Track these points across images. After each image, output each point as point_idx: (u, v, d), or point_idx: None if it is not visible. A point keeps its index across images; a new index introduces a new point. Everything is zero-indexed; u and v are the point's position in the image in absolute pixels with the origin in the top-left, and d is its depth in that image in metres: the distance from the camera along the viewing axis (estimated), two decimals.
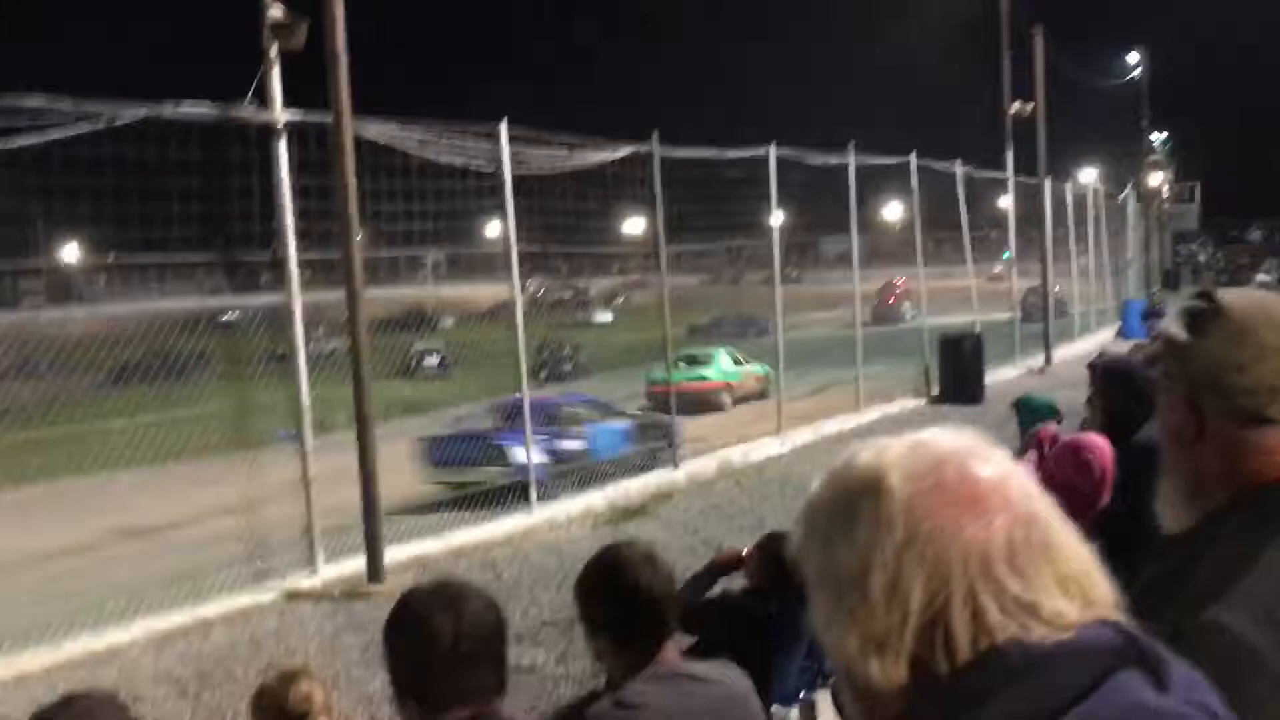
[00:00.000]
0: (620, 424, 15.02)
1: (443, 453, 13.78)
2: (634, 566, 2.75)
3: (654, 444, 14.52)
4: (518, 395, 12.28)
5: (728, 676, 2.86)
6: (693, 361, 21.17)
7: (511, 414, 13.03)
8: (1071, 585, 1.01)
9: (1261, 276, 32.42)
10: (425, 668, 2.20)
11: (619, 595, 2.72)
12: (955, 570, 0.99)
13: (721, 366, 21.90)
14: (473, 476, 12.99)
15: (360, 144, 9.88)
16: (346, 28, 9.48)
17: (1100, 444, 4.90)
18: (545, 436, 12.80)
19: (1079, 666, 0.97)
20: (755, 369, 21.30)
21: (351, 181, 9.59)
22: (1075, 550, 1.04)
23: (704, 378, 20.94)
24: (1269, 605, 1.34)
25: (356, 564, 9.67)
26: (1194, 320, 1.55)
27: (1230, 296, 1.57)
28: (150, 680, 7.60)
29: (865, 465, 1.07)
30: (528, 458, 11.84)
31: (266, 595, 9.21)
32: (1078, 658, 0.97)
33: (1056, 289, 27.07)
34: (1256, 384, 1.50)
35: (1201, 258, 68.69)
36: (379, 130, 10.53)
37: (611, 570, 2.78)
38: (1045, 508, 1.05)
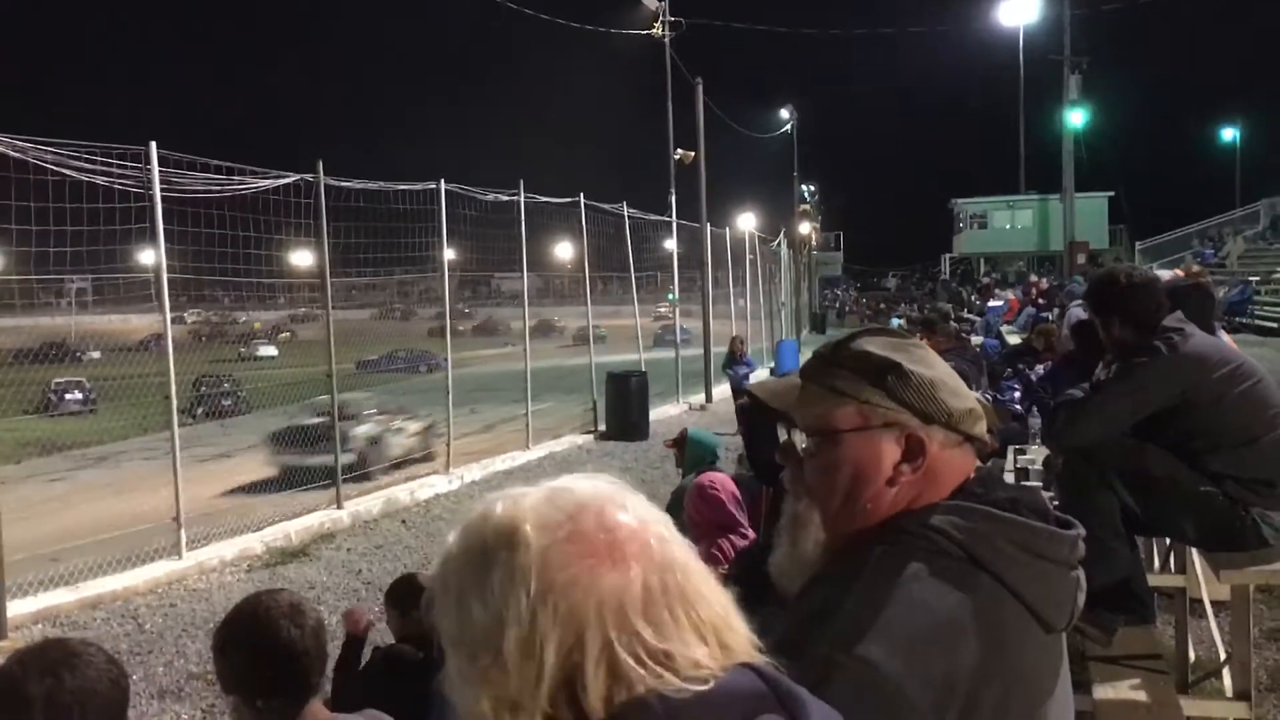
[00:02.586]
0: None
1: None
2: (275, 619, 2.59)
3: None
4: None
5: None
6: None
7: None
8: (708, 632, 1.01)
9: (896, 320, 35.29)
10: None
11: (258, 650, 2.55)
12: (590, 622, 0.97)
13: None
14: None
15: None
16: None
17: (719, 478, 5.53)
18: None
19: (726, 713, 0.96)
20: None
21: None
22: (713, 596, 1.04)
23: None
24: (911, 638, 1.36)
25: None
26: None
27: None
28: None
29: (499, 517, 1.04)
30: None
31: None
32: (719, 706, 0.96)
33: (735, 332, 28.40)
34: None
35: (846, 306, 74.00)
36: (10, 143, 9.63)
37: (251, 623, 2.61)
38: (683, 554, 1.05)
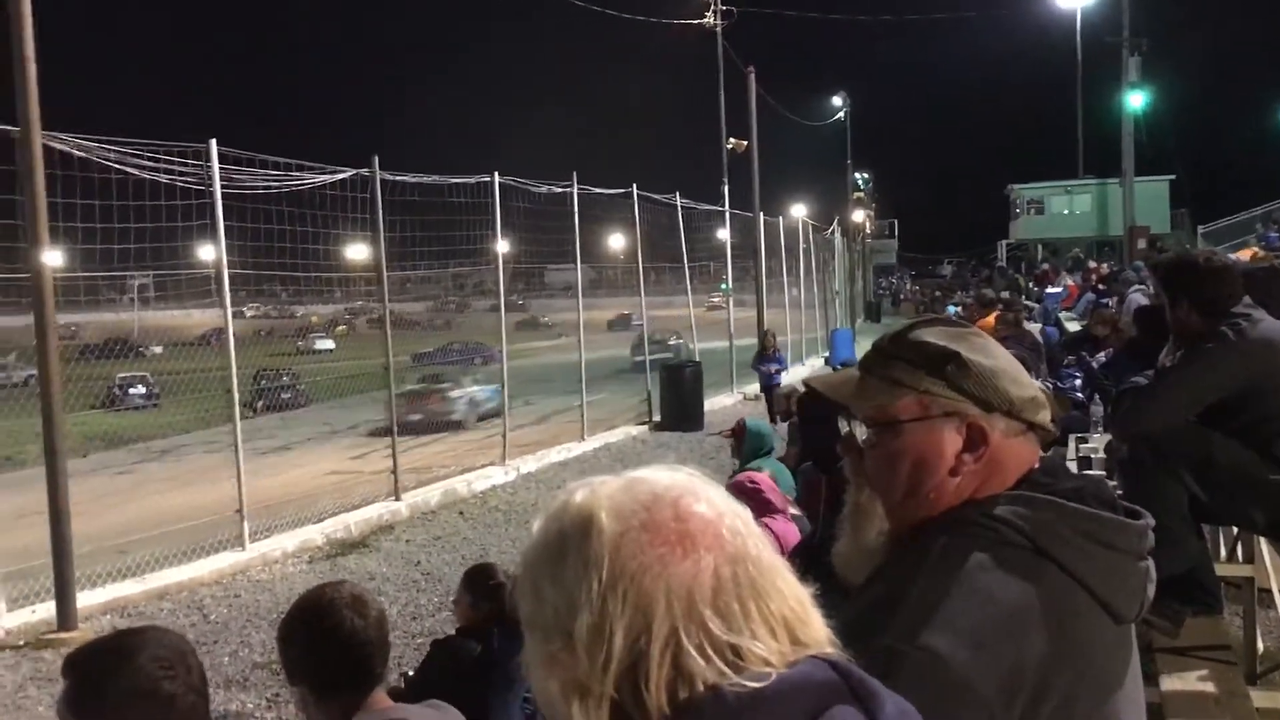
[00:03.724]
0: None
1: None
2: (339, 610, 2.62)
3: None
4: None
5: (443, 718, 2.77)
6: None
7: None
8: (779, 626, 1.01)
9: (952, 308, 34.96)
10: None
11: (323, 641, 2.58)
12: (659, 611, 0.97)
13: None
14: None
15: (50, 158, 9.19)
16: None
17: (760, 477, 5.72)
18: None
19: (792, 707, 0.96)
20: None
21: (42, 198, 8.90)
22: (787, 590, 1.04)
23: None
24: (976, 628, 1.36)
25: (45, 610, 8.92)
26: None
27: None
28: None
29: (577, 504, 1.05)
30: None
31: None
32: (784, 699, 0.96)
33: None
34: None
35: (901, 294, 73.46)
36: (76, 143, 9.81)
37: (315, 614, 2.64)
38: (758, 547, 1.05)
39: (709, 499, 1.06)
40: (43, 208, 8.92)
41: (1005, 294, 22.86)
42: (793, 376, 24.30)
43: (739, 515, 1.07)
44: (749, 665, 0.98)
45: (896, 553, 1.55)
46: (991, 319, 11.25)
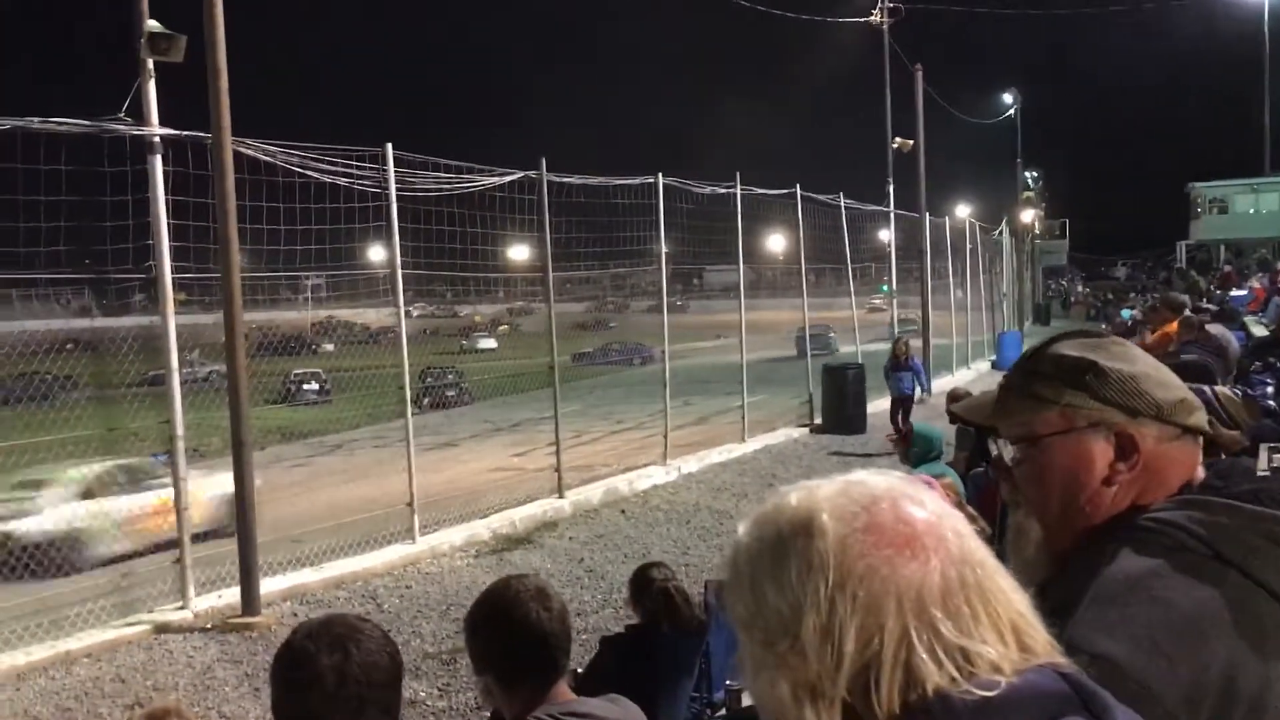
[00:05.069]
0: None
1: None
2: (525, 602, 2.67)
3: None
4: None
5: (623, 713, 2.79)
6: None
7: None
8: (1007, 630, 0.99)
9: (1126, 312, 33.66)
10: (308, 711, 2.08)
11: (509, 632, 2.63)
12: (890, 612, 0.97)
13: None
14: None
15: (238, 162, 9.63)
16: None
17: (934, 480, 5.59)
18: None
19: (1021, 716, 0.94)
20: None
21: (232, 200, 9.33)
22: (1011, 594, 1.03)
23: None
24: (1154, 635, 1.34)
25: (230, 595, 9.35)
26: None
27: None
28: (8, 718, 7.21)
29: (795, 506, 1.05)
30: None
31: (134, 628, 8.83)
32: (1019, 707, 0.94)
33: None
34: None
35: (1072, 297, 71.15)
36: (261, 148, 10.26)
37: (502, 606, 2.69)
38: (980, 550, 1.04)
39: (926, 502, 1.05)
40: (232, 210, 9.35)
41: (1182, 296, 21.88)
42: (962, 380, 23.77)
43: (958, 518, 1.06)
44: (978, 670, 0.96)
45: (1064, 566, 1.53)
46: (1174, 324, 10.79)
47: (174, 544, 9.45)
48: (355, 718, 2.07)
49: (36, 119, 8.68)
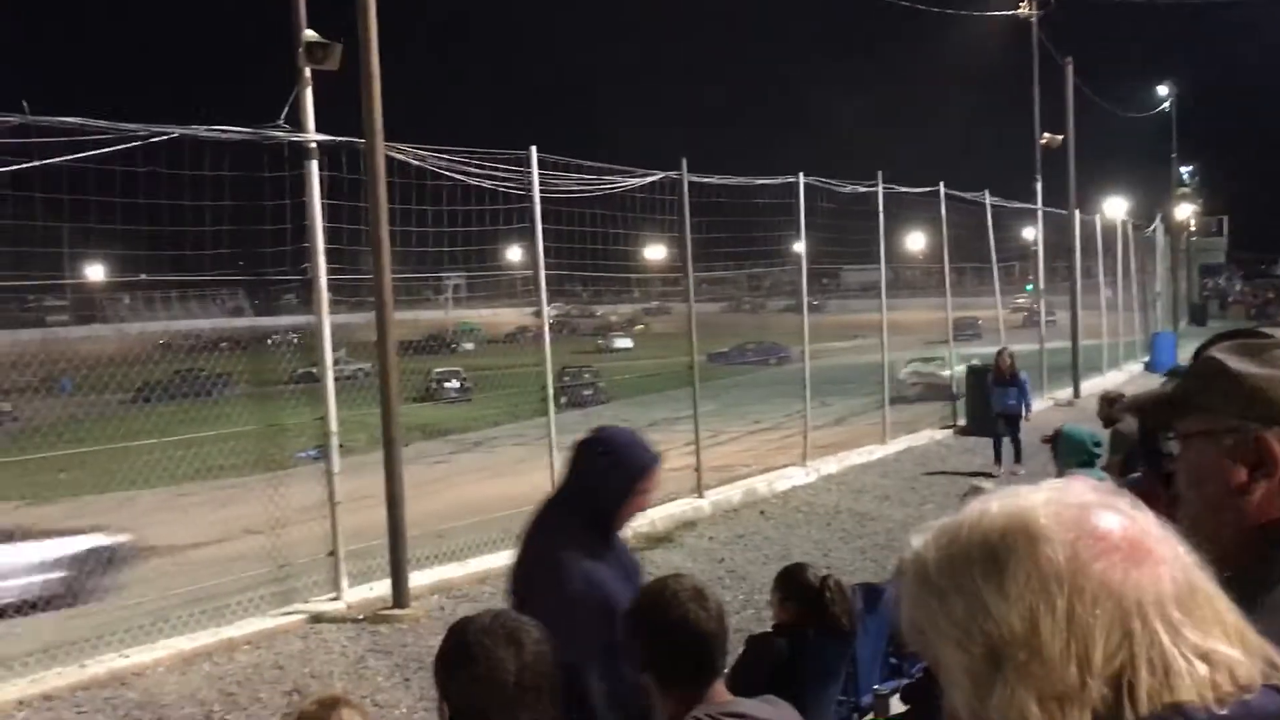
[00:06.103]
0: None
1: None
2: (683, 602, 2.68)
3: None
4: None
5: (779, 714, 2.79)
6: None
7: None
8: (1233, 634, 0.98)
9: None
10: (489, 701, 2.15)
11: (667, 632, 2.65)
12: (1134, 616, 0.95)
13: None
14: None
15: (388, 166, 9.90)
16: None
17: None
18: None
19: None
20: None
21: (384, 204, 9.59)
22: (1228, 600, 1.01)
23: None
24: None
25: (381, 587, 9.61)
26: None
27: None
28: (176, 701, 7.55)
29: (1006, 513, 1.02)
30: None
31: (291, 617, 9.16)
32: None
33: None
34: None
35: (1229, 296, 68.26)
36: (411, 153, 10.53)
37: (659, 606, 2.72)
38: (1190, 553, 1.02)
39: (1133, 508, 1.03)
40: (384, 214, 9.61)
41: None
42: (1112, 381, 23.04)
43: (1165, 525, 1.04)
44: (1218, 671, 0.95)
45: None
46: None
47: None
48: (536, 704, 2.14)
49: (202, 127, 9.06)
